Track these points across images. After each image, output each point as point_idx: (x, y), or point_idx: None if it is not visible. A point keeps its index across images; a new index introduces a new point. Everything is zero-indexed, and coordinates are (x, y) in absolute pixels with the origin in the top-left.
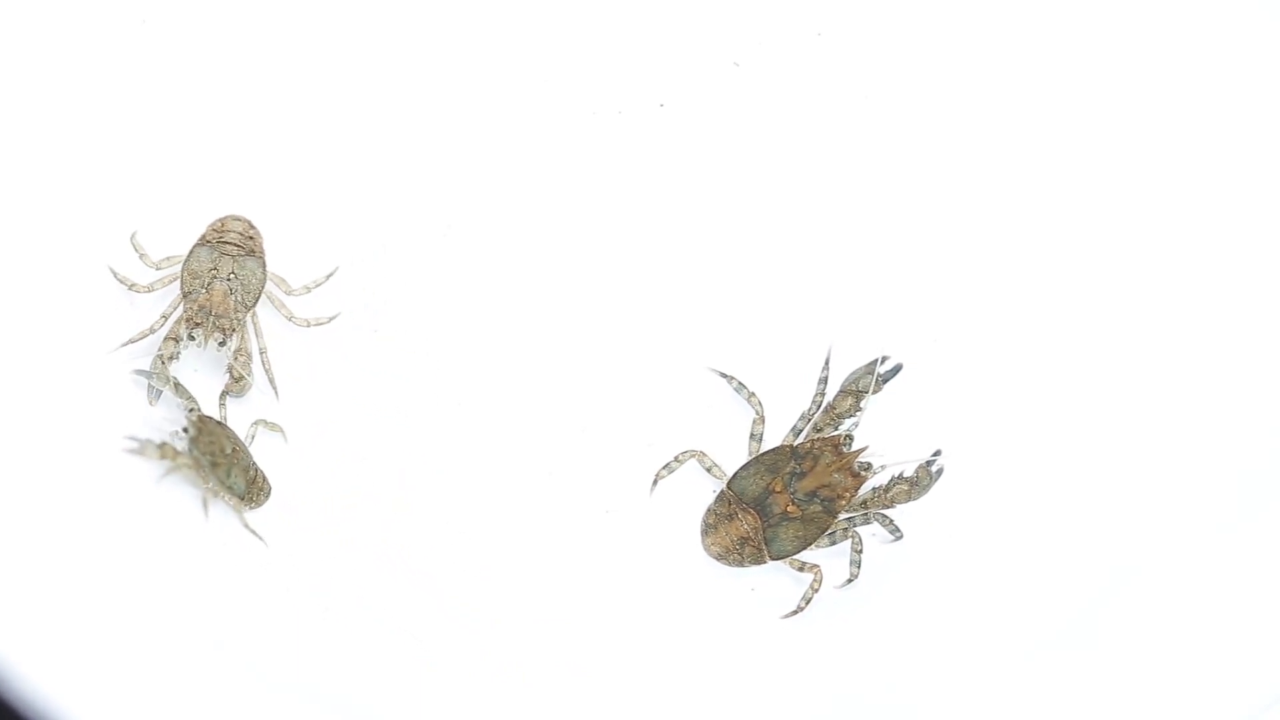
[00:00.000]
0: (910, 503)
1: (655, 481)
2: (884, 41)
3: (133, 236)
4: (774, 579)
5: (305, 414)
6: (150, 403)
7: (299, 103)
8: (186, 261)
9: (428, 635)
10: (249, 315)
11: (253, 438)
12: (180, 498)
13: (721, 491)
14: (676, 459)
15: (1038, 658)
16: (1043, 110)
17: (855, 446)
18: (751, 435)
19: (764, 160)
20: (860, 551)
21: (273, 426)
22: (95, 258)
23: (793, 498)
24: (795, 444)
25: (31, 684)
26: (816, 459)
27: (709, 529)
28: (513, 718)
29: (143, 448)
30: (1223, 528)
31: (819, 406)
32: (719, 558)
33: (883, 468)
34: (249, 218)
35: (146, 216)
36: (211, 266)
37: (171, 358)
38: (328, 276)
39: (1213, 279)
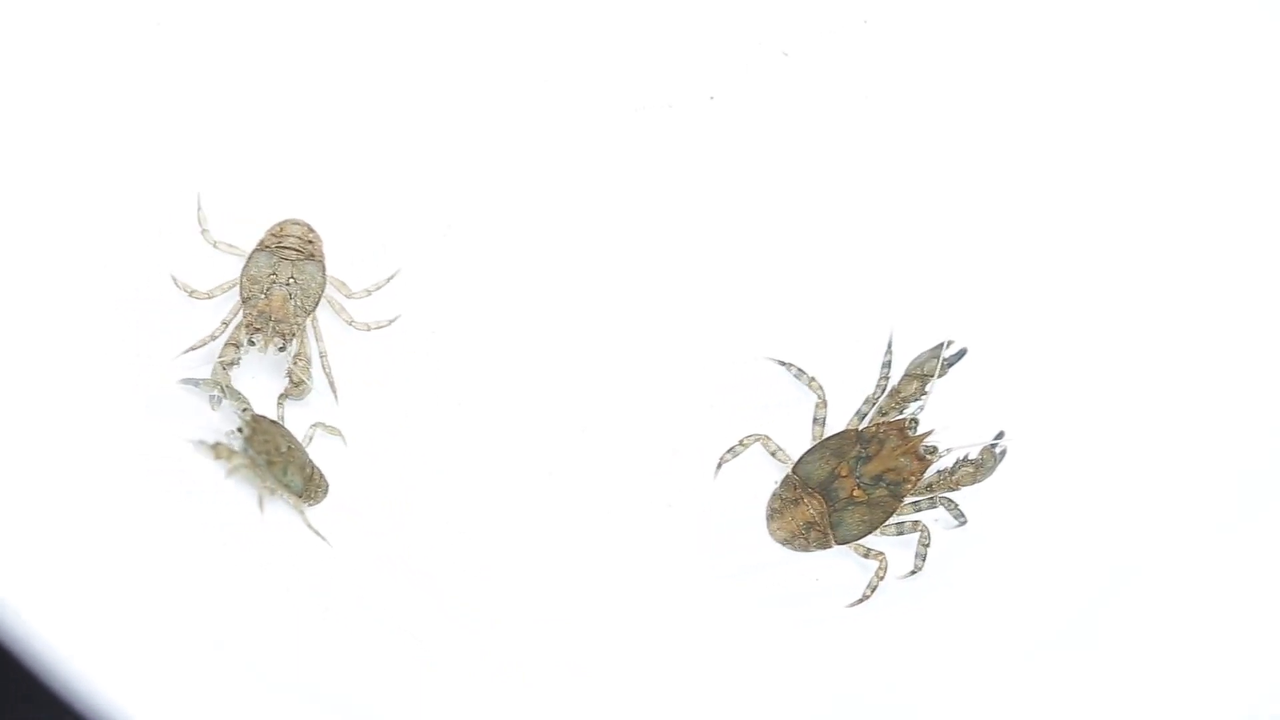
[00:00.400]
0: (975, 485)
1: (719, 465)
2: (934, 26)
3: (198, 206)
4: (837, 568)
5: (304, 415)
6: (213, 408)
7: (299, 102)
8: (245, 267)
9: (428, 635)
10: (309, 319)
11: (310, 439)
12: (180, 498)
13: (787, 476)
14: (741, 443)
15: (1038, 658)
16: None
17: (920, 430)
18: (814, 420)
19: (813, 149)
20: (927, 545)
21: (332, 430)
22: (148, 264)
23: (858, 482)
24: (860, 428)
25: (32, 683)
26: (882, 443)
27: (774, 514)
28: (513, 718)
29: (197, 448)
30: (1223, 528)
31: (883, 390)
32: (785, 542)
33: (948, 451)
34: (308, 221)
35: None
36: (270, 272)
37: (232, 364)
38: (388, 279)
39: (1213, 279)
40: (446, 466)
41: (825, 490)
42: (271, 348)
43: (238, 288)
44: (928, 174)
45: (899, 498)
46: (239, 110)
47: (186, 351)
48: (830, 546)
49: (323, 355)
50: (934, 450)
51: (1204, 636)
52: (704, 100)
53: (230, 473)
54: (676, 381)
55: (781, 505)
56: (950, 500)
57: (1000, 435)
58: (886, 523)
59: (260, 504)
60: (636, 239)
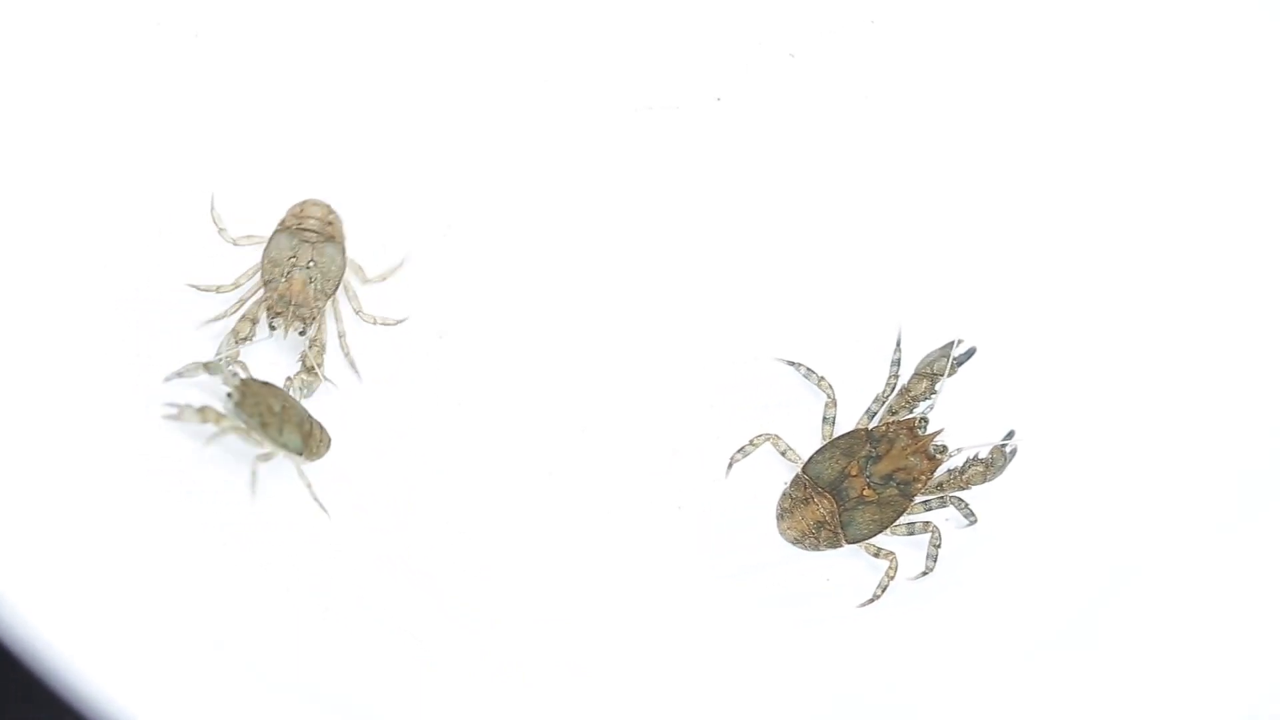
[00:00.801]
0: (985, 484)
1: (730, 465)
2: (940, 25)
3: (211, 207)
4: (850, 568)
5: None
6: (226, 385)
7: (299, 102)
8: (267, 249)
9: (428, 635)
10: (329, 302)
11: (296, 388)
12: (180, 498)
13: (797, 476)
14: (751, 443)
15: (1038, 658)
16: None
17: (930, 429)
18: (824, 419)
19: (820, 150)
20: (938, 545)
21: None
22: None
23: (869, 481)
24: (870, 427)
25: (35, 683)
26: (892, 442)
27: (785, 513)
28: (513, 718)
29: (181, 413)
30: (1223, 528)
31: (893, 389)
32: (795, 542)
33: (958, 450)
34: (328, 202)
35: (142, 218)
36: (291, 254)
37: (246, 339)
38: (401, 263)
39: (1212, 281)
40: (447, 466)
41: (835, 490)
42: (291, 332)
43: (259, 271)
44: (935, 173)
45: (909, 497)
46: (239, 110)
47: (207, 324)
48: (840, 546)
49: (341, 335)
50: (944, 449)
51: (1204, 636)
52: (710, 102)
53: (216, 436)
54: (676, 381)
55: (791, 505)
56: (960, 499)
57: (1010, 434)
58: (897, 523)
59: (253, 484)
60: (638, 239)
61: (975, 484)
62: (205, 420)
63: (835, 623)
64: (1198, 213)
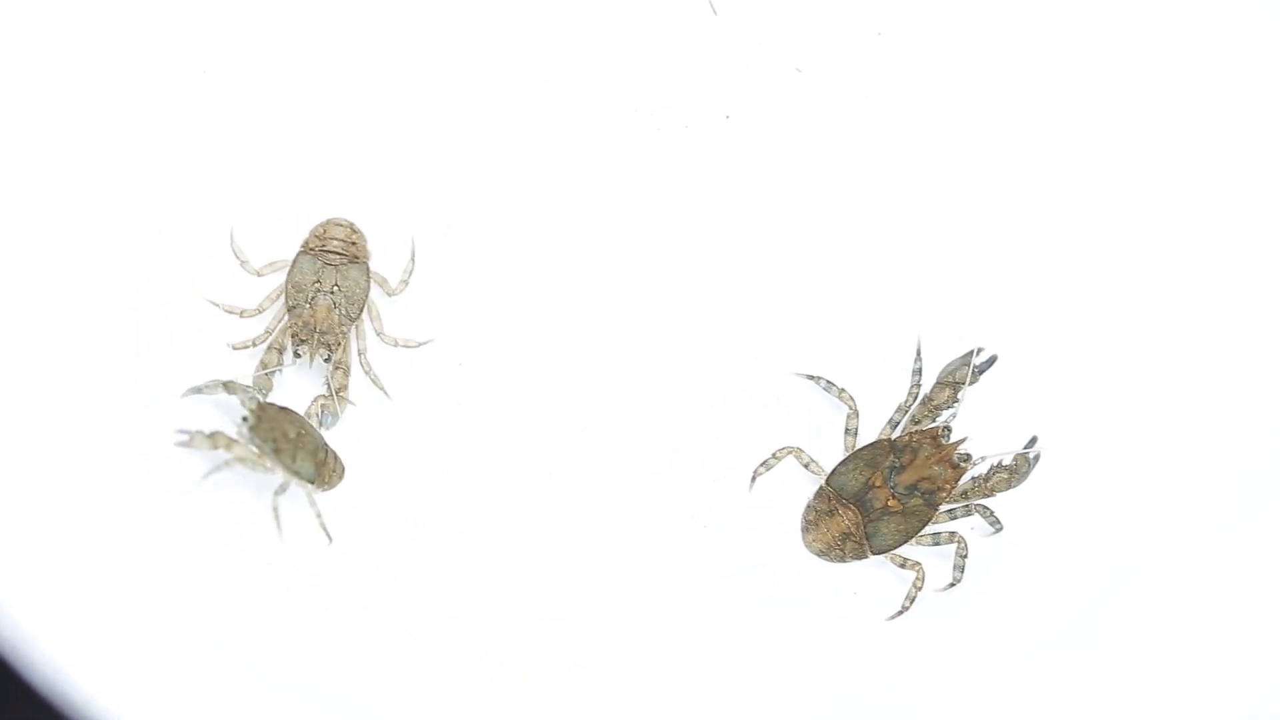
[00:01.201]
0: (1010, 491)
1: (754, 478)
2: (946, 34)
3: (231, 240)
4: (877, 580)
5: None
6: (266, 392)
7: (299, 103)
8: (290, 273)
9: (428, 635)
10: (353, 326)
11: (318, 417)
12: (180, 498)
13: (820, 488)
14: (775, 455)
15: (1038, 658)
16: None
17: (954, 438)
18: (846, 430)
19: (830, 160)
20: (965, 556)
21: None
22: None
23: (893, 492)
24: (893, 437)
25: (35, 683)
26: (916, 452)
27: (809, 526)
28: (513, 718)
29: (193, 439)
30: (1223, 528)
31: (915, 398)
32: (820, 554)
33: (982, 459)
34: (351, 221)
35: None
36: (315, 279)
37: (275, 369)
38: (412, 260)
39: (1213, 280)
40: (447, 466)
41: (860, 501)
42: (317, 358)
43: (283, 295)
44: (945, 182)
45: (934, 506)
46: (238, 110)
47: (236, 349)
48: (866, 557)
49: (362, 354)
50: (968, 458)
51: (1204, 636)
52: (719, 118)
53: (228, 464)
54: (676, 381)
55: (816, 517)
56: (986, 507)
57: (1033, 440)
58: (922, 533)
59: (276, 521)
60: (638, 241)
61: (1000, 491)
62: (216, 446)
63: (835, 623)
64: (1199, 216)
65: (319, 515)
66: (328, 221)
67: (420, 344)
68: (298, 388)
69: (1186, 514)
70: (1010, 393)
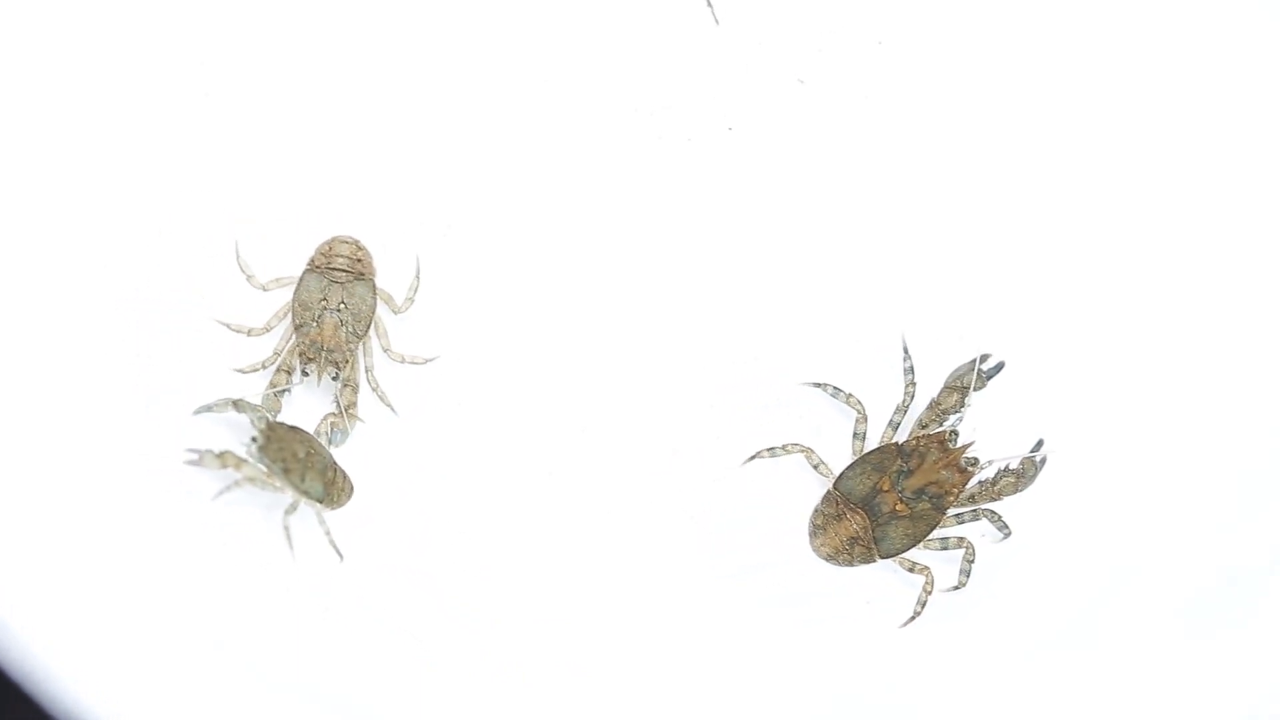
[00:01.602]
0: (1017, 494)
1: (753, 457)
2: (947, 43)
3: (237, 255)
4: (887, 588)
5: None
6: (276, 413)
7: (299, 103)
8: (296, 291)
9: (428, 635)
10: (360, 343)
11: (327, 434)
12: (180, 498)
13: (828, 492)
14: (784, 448)
15: (1038, 658)
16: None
17: (961, 442)
18: (854, 435)
19: (832, 168)
20: (972, 561)
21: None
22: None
23: (901, 496)
24: (899, 441)
25: (34, 683)
26: (923, 456)
27: (817, 530)
28: (513, 718)
29: (202, 458)
30: (1223, 528)
31: (912, 397)
32: (829, 558)
33: (990, 463)
34: (356, 238)
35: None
36: (321, 297)
37: (284, 391)
38: (417, 278)
39: (1214, 283)
40: (446, 466)
41: (868, 505)
42: (325, 376)
43: (290, 314)
44: (947, 191)
45: (942, 510)
46: (238, 109)
47: (243, 372)
48: (874, 561)
49: (369, 370)
50: (975, 462)
51: (1204, 636)
52: (720, 121)
53: (238, 483)
54: (676, 381)
55: (824, 521)
56: (993, 512)
57: (1040, 444)
58: (930, 537)
59: (288, 541)
60: (638, 242)
61: (1007, 495)
62: (225, 466)
63: (835, 623)
64: (1199, 220)
65: (329, 533)
66: (333, 239)
67: (427, 360)
68: (305, 406)
69: (1186, 514)
70: (1016, 397)
